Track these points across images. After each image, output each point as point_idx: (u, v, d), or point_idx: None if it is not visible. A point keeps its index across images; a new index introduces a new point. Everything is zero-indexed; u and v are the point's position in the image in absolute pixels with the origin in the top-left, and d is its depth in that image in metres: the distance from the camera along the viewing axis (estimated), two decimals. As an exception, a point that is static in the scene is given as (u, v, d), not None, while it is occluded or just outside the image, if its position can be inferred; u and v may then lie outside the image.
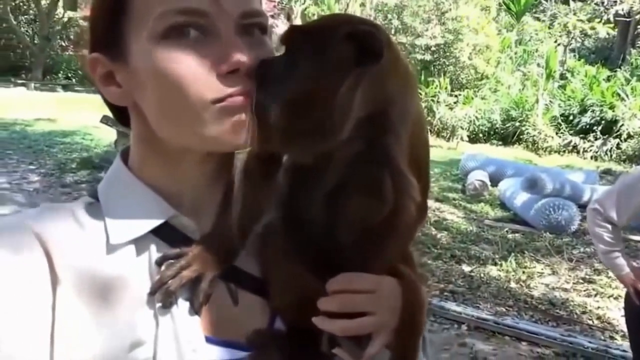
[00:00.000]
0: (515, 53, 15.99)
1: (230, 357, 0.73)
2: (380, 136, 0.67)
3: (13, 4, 24.77)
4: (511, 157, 11.66)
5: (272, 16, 24.75)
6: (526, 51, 16.09)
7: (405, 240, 0.77)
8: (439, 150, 13.02)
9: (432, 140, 14.13)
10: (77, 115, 12.16)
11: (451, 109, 14.15)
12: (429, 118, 14.54)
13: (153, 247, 0.73)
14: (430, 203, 8.09)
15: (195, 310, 0.70)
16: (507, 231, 7.17)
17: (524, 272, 5.82)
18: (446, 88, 14.54)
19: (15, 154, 9.64)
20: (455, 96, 14.54)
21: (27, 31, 25.86)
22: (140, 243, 0.73)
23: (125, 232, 0.72)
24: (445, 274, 5.63)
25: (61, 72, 25.32)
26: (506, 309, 4.90)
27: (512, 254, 6.29)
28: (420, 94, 14.63)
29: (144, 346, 0.67)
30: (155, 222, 0.74)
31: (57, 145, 10.45)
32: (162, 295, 0.68)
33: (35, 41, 24.75)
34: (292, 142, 0.69)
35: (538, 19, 18.79)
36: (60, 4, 25.86)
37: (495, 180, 9.01)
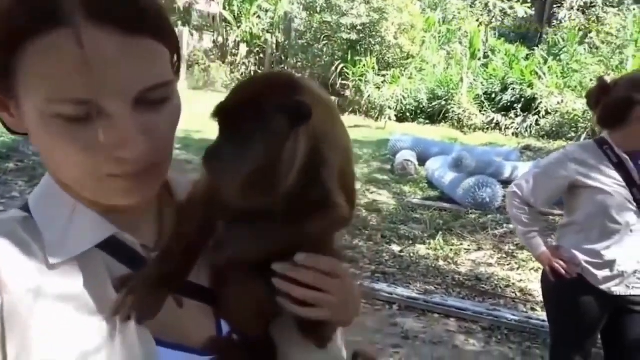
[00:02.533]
0: (439, 32, 16.36)
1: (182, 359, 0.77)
2: (317, 172, 0.76)
3: None
4: (438, 135, 12.01)
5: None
6: (450, 30, 16.50)
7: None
8: (367, 130, 13.21)
9: (361, 120, 14.34)
10: None
11: (379, 88, 14.37)
12: (357, 98, 14.72)
13: (99, 261, 0.74)
14: (360, 185, 8.27)
15: (140, 322, 0.72)
16: (435, 210, 7.43)
17: (451, 250, 6.08)
18: (373, 68, 14.72)
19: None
20: (383, 76, 14.75)
21: None
22: (84, 258, 0.73)
23: (67, 250, 0.72)
24: (376, 255, 5.79)
25: None
26: (435, 287, 5.11)
27: (440, 232, 6.54)
28: (348, 74, 14.79)
29: (99, 355, 0.68)
30: (98, 239, 0.75)
31: None
32: (122, 315, 0.70)
33: None
34: (247, 200, 0.76)
35: (461, -2, 19.29)
36: None
37: (423, 159, 9.28)
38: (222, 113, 0.73)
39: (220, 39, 21.69)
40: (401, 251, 5.97)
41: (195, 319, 0.82)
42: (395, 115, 14.25)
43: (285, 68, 19.25)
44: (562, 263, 2.67)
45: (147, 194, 0.77)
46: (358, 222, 6.67)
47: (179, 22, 21.89)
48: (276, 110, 0.70)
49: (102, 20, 0.64)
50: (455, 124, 13.76)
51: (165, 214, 0.86)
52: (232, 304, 0.82)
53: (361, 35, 15.28)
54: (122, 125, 0.67)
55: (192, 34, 22.00)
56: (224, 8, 21.45)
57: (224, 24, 21.48)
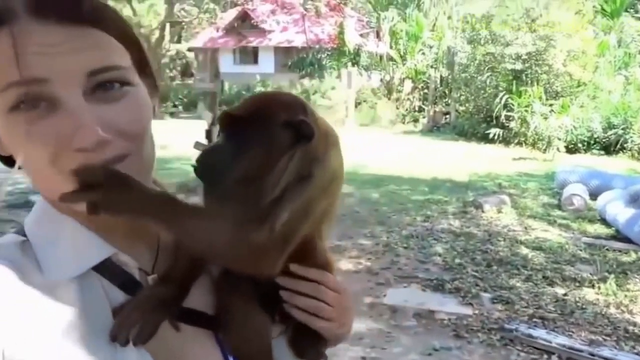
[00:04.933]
0: (615, 56, 14.81)
1: None
2: (294, 182, 0.74)
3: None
4: (615, 167, 10.75)
5: (362, 35, 24.84)
6: (627, 53, 14.86)
7: None
8: (534, 162, 12.31)
9: (527, 152, 13.40)
10: (184, 141, 12.55)
11: (546, 118, 13.31)
12: (523, 129, 13.80)
13: (96, 283, 0.72)
14: (522, 220, 7.61)
15: (135, 344, 0.69)
16: (607, 250, 6.54)
17: (625, 296, 5.24)
18: (540, 97, 13.72)
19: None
20: (550, 105, 13.68)
21: (139, 65, 27.65)
22: (81, 280, 0.71)
23: (63, 271, 0.70)
24: (535, 297, 5.18)
25: (169, 100, 26.78)
26: (603, 338, 4.41)
27: (613, 275, 5.70)
28: (513, 106, 13.97)
29: None
30: (95, 260, 0.72)
31: (160, 170, 10.92)
32: (121, 339, 0.68)
33: (146, 74, 26.36)
34: (229, 203, 0.74)
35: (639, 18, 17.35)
36: (167, 39, 27.48)
37: (595, 194, 8.31)
38: (228, 118, 0.73)
39: (387, 77, 21.94)
40: (565, 294, 5.28)
41: (200, 347, 0.79)
42: (565, 147, 13.09)
43: (450, 102, 18.82)
44: None
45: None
46: (517, 260, 6.09)
47: (349, 64, 22.62)
48: (283, 125, 0.72)
49: (45, 15, 0.65)
50: (635, 155, 12.22)
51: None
52: (238, 341, 0.80)
53: (526, 65, 14.40)
54: (75, 115, 0.65)
55: (360, 74, 22.57)
56: (391, 47, 21.72)
57: (390, 62, 21.73)
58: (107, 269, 0.73)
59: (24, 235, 0.75)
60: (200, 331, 0.79)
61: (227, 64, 30.48)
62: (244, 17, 30.21)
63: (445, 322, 4.69)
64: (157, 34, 26.13)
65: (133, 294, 0.74)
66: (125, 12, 25.92)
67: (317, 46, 25.69)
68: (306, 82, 24.74)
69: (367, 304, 4.99)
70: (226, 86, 25.77)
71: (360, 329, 4.49)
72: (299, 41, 27.27)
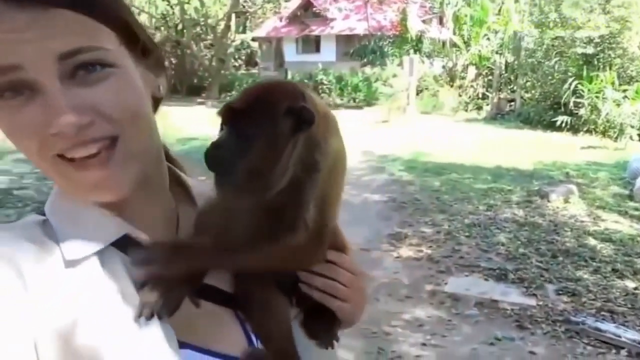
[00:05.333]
0: (699, 38, 13.88)
1: None
2: (304, 176, 0.76)
3: (193, 32, 27.19)
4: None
5: (424, 21, 24.37)
6: None
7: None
8: (604, 151, 11.76)
9: (597, 140, 12.81)
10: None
11: (618, 105, 12.67)
12: (593, 116, 13.20)
13: (116, 259, 0.73)
14: (591, 210, 7.30)
15: (160, 317, 0.70)
16: (683, 242, 6.19)
17: (702, 290, 4.96)
18: (613, 83, 13.07)
19: (197, 167, 10.45)
20: (624, 91, 13.00)
21: (205, 55, 28.21)
22: (101, 256, 0.72)
23: (83, 248, 0.71)
24: (604, 290, 4.98)
25: (234, 89, 27.21)
26: (677, 334, 4.20)
27: (689, 268, 5.40)
28: (583, 92, 13.38)
29: (125, 350, 0.67)
30: (112, 237, 0.74)
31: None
32: (147, 314, 0.68)
33: (213, 63, 26.88)
34: (242, 196, 0.78)
35: None
36: (233, 29, 27.91)
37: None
38: (230, 111, 0.74)
39: (450, 64, 21.45)
40: (636, 288, 5.05)
41: (223, 325, 0.81)
42: (638, 135, 12.41)
43: (515, 88, 18.22)
44: None
45: (120, 182, 0.72)
46: (584, 252, 5.86)
47: (411, 51, 22.26)
48: (284, 113, 0.73)
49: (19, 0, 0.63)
50: None
51: (182, 216, 0.85)
52: (259, 325, 0.83)
53: (598, 49, 13.73)
54: (50, 100, 0.65)
55: (422, 61, 22.16)
56: (454, 33, 21.19)
57: (453, 48, 21.22)
58: (126, 245, 0.74)
59: (44, 215, 0.76)
60: (220, 308, 0.81)
61: (290, 53, 30.71)
62: (307, 6, 30.29)
63: (508, 312, 4.59)
64: (222, 24, 26.54)
65: None
66: (193, 3, 26.55)
67: (378, 33, 25.42)
68: (368, 69, 24.57)
69: (428, 292, 4.95)
70: (289, 75, 25.92)
71: (420, 316, 4.47)
72: (360, 29, 27.09)
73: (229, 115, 0.74)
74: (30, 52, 0.63)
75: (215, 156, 0.72)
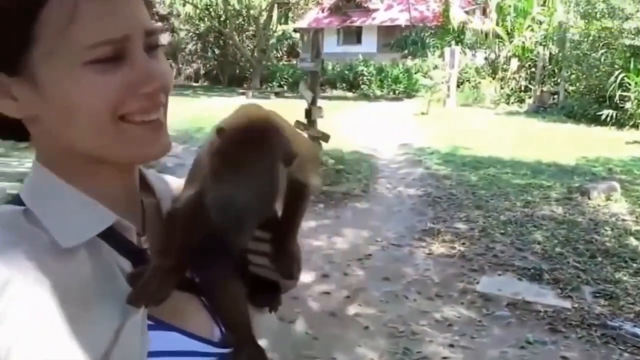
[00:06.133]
0: None
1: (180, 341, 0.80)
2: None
3: (236, 22, 27.33)
4: None
5: (467, 12, 23.77)
6: None
7: None
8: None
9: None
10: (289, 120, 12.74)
11: (668, 99, 12.09)
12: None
13: (103, 248, 0.75)
14: (634, 209, 6.97)
15: (147, 306, 0.74)
16: None
17: None
18: (662, 76, 12.47)
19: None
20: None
21: (247, 46, 28.35)
22: (89, 246, 0.73)
23: (73, 237, 0.72)
24: (644, 294, 4.74)
25: (275, 80, 27.29)
26: None
27: None
28: (629, 85, 12.80)
29: (124, 331, 0.70)
30: (102, 226, 0.75)
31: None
32: (138, 304, 0.72)
33: (255, 54, 26.98)
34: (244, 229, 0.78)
35: None
36: (274, 19, 27.92)
37: None
38: (227, 151, 0.75)
39: (492, 55, 20.89)
40: (680, 292, 4.78)
41: (194, 309, 0.87)
42: (688, 130, 11.82)
43: (558, 81, 17.62)
44: None
45: (162, 142, 0.78)
46: (625, 252, 5.59)
47: (453, 42, 21.77)
48: (277, 157, 0.76)
49: None
50: None
51: (146, 204, 0.88)
52: (218, 307, 0.90)
53: (648, 41, 13.07)
54: (144, 66, 0.71)
55: (464, 52, 21.65)
56: (497, 24, 20.60)
57: (496, 39, 20.65)
58: (110, 235, 0.76)
59: (20, 205, 0.75)
60: (187, 294, 0.86)
61: (331, 44, 30.52)
62: (349, -4, 30.02)
63: (541, 314, 4.41)
64: (265, 15, 26.57)
65: (135, 259, 0.78)
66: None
67: (420, 24, 24.96)
68: (408, 61, 24.20)
69: (459, 290, 4.80)
70: (329, 66, 25.80)
71: (449, 316, 4.34)
72: (402, 20, 26.65)
73: (226, 156, 0.74)
74: (135, 25, 0.71)
75: (235, 210, 0.72)
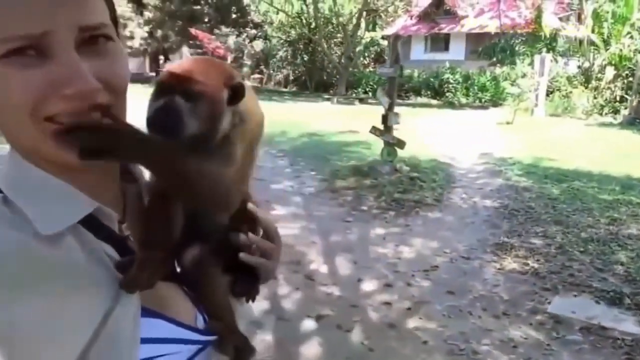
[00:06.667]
0: None
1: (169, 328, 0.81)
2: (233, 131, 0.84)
3: (325, 30, 27.58)
4: None
5: (561, 19, 22.52)
6: None
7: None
8: None
9: None
10: (366, 126, 12.65)
11: None
12: None
13: (86, 237, 0.74)
14: None
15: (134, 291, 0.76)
16: None
17: None
18: None
19: (304, 161, 10.59)
20: None
21: (335, 53, 28.51)
22: (75, 233, 0.73)
23: (55, 223, 0.71)
24: None
25: (360, 87, 27.25)
26: None
27: None
28: None
29: (113, 315, 0.71)
30: (83, 213, 0.74)
31: (339, 154, 11.15)
32: (129, 289, 0.74)
33: (342, 61, 27.08)
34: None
35: None
36: (362, 27, 27.90)
37: None
38: (175, 78, 0.78)
39: (586, 64, 19.66)
40: None
41: (178, 297, 0.88)
42: None
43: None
44: None
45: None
46: None
47: (544, 49, 20.70)
48: (225, 87, 0.81)
49: None
50: None
51: (127, 190, 0.88)
52: (201, 296, 0.92)
53: None
54: (70, 65, 0.67)
55: (556, 60, 20.52)
56: (592, 31, 19.36)
57: (591, 47, 19.41)
58: (91, 222, 0.75)
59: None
60: (172, 284, 0.88)
61: (418, 51, 30.09)
62: (438, 4, 29.43)
63: (619, 342, 4.03)
64: (354, 22, 26.59)
65: (117, 246, 0.78)
66: (327, 1, 26.86)
67: (510, 31, 23.98)
68: (496, 69, 23.32)
69: (528, 310, 4.50)
70: (415, 73, 25.40)
71: (515, 336, 4.07)
72: (492, 27, 25.74)
73: (173, 82, 0.78)
74: (63, 20, 0.66)
75: (163, 120, 0.76)
